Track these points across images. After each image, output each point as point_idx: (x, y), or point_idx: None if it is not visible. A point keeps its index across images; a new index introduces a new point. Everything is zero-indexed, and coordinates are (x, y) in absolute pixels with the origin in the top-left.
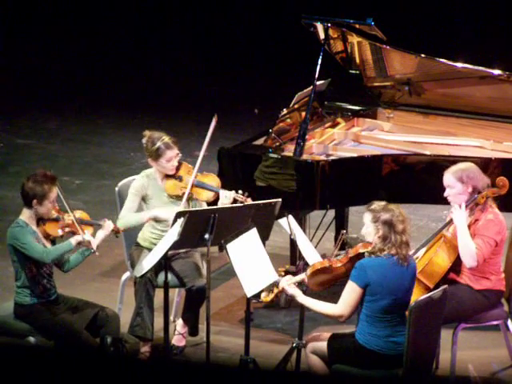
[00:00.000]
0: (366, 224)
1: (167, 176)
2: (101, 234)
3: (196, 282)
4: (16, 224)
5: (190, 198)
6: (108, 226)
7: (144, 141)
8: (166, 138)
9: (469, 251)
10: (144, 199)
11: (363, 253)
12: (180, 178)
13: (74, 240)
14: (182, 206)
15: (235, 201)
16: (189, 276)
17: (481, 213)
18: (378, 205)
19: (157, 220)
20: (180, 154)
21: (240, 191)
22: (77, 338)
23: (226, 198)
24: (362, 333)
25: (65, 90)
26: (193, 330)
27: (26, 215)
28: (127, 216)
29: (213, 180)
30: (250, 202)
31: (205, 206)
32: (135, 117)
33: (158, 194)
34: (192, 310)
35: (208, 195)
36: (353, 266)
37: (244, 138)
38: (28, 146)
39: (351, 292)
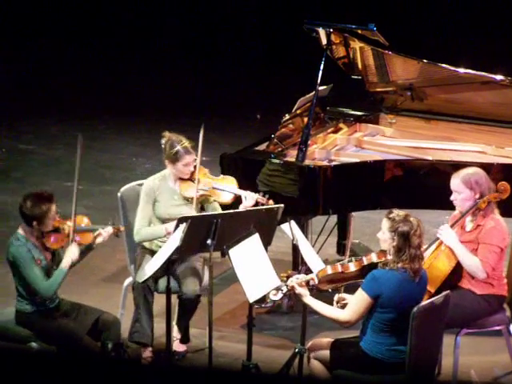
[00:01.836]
0: (383, 230)
1: (182, 178)
2: (99, 239)
3: (189, 289)
4: (16, 240)
5: (206, 201)
6: (107, 232)
7: (163, 141)
8: (186, 143)
9: (475, 266)
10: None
11: (377, 262)
12: (198, 181)
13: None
14: (194, 208)
15: (257, 203)
16: (183, 283)
17: (483, 218)
18: (397, 214)
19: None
20: (197, 159)
21: (261, 193)
22: (78, 344)
23: (250, 198)
24: (366, 340)
25: (67, 95)
26: (183, 338)
27: (25, 229)
28: (143, 231)
29: (231, 182)
30: (272, 203)
31: (219, 210)
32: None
33: (168, 195)
34: (183, 317)
35: (227, 197)
36: (365, 273)
37: (246, 144)
38: (30, 152)
39: (361, 301)
